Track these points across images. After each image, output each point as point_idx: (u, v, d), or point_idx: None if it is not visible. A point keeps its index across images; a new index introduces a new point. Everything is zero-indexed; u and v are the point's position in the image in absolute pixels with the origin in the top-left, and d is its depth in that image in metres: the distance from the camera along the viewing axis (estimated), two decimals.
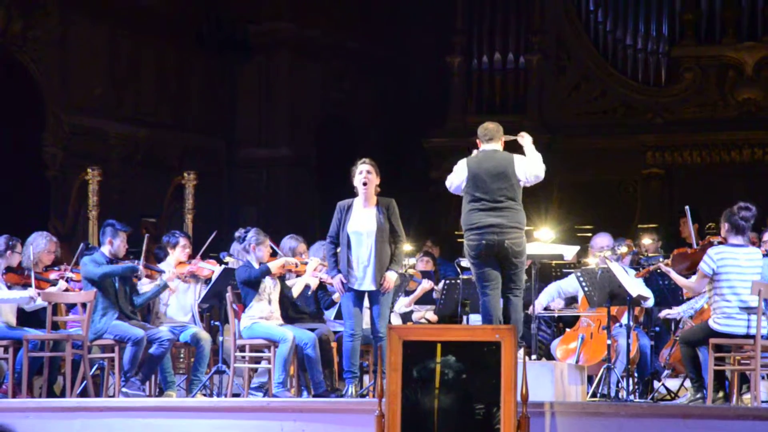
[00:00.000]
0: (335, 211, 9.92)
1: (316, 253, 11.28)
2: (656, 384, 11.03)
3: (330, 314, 11.15)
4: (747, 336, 9.37)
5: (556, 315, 11.68)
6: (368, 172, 9.84)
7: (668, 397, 10.98)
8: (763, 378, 9.83)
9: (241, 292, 10.55)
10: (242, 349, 10.53)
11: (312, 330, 10.49)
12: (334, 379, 10.59)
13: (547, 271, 11.96)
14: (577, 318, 11.38)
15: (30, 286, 10.58)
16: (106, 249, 10.66)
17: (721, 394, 9.48)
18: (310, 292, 11.00)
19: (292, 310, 10.84)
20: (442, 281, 11.47)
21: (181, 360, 11.60)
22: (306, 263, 10.91)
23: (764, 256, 9.64)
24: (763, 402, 9.50)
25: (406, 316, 11.64)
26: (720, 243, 9.68)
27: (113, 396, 10.37)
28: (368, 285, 9.78)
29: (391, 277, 9.77)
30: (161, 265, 11.19)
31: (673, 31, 19.63)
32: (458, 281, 11.03)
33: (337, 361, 10.61)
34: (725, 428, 8.29)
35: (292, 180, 19.54)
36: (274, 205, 19.02)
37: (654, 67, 19.64)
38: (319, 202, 18.71)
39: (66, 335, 10.41)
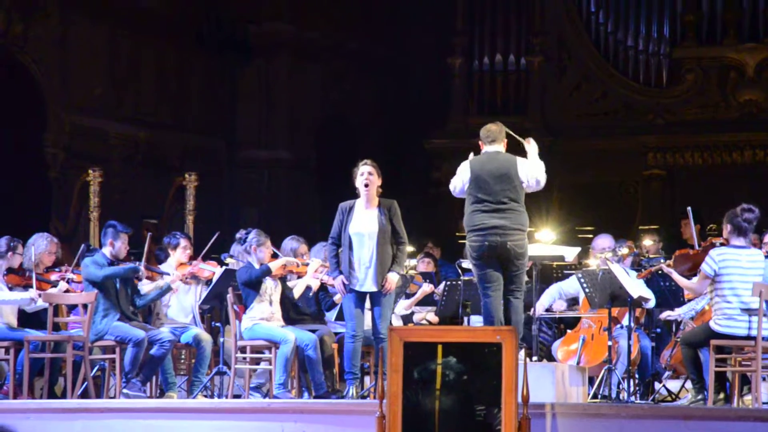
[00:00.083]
0: (337, 212, 9.92)
1: (317, 255, 11.27)
2: (657, 385, 11.02)
3: (331, 315, 11.15)
4: (748, 337, 9.37)
5: (557, 316, 11.68)
6: (370, 173, 9.84)
7: (669, 398, 10.98)
8: (764, 379, 9.82)
9: (242, 293, 10.55)
10: (243, 350, 10.52)
11: (313, 331, 10.49)
12: (334, 380, 10.58)
13: (548, 273, 11.96)
14: (578, 319, 11.38)
15: (31, 287, 10.58)
16: (107, 250, 10.66)
17: (722, 395, 9.47)
18: (311, 294, 11.00)
19: (293, 311, 10.84)
20: (443, 282, 11.46)
21: (182, 361, 11.59)
22: (307, 264, 10.91)
23: (766, 257, 9.64)
24: (764, 403, 9.49)
25: (406, 318, 11.64)
26: (722, 244, 9.68)
27: (114, 397, 10.37)
28: (369, 286, 9.78)
29: (393, 279, 9.77)
30: (162, 267, 11.19)
31: (674, 32, 19.63)
32: (459, 282, 11.03)
33: (338, 362, 10.60)
34: (726, 429, 8.29)
35: (293, 181, 19.55)
36: (274, 206, 19.02)
37: (655, 68, 19.64)
38: (320, 204, 18.71)
39: (67, 336, 10.41)
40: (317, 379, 10.26)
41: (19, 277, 10.78)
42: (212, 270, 11.11)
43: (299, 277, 10.93)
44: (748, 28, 19.32)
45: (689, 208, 11.00)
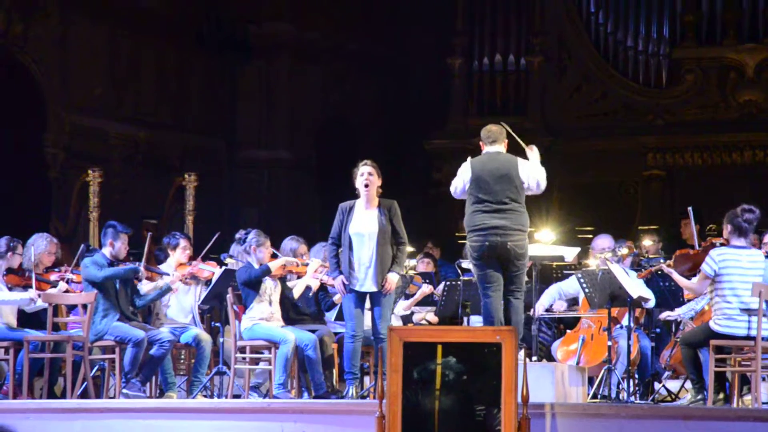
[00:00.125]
0: (337, 212, 9.92)
1: (316, 255, 11.28)
2: (657, 385, 11.02)
3: (330, 315, 11.15)
4: (747, 337, 9.37)
5: (556, 316, 11.68)
6: (370, 173, 9.85)
7: (669, 398, 10.98)
8: (763, 379, 9.82)
9: (242, 294, 10.55)
10: (243, 350, 10.52)
11: (313, 331, 10.49)
12: (334, 380, 10.58)
13: (548, 273, 11.96)
14: (577, 319, 11.38)
15: (30, 287, 10.58)
16: (107, 250, 10.66)
17: (721, 395, 9.48)
18: (311, 294, 11.00)
19: (292, 311, 10.84)
20: (443, 283, 11.46)
21: (182, 361, 11.59)
22: (307, 264, 10.91)
23: (766, 257, 9.64)
24: (763, 403, 9.49)
25: (406, 319, 11.64)
26: (722, 244, 9.68)
27: (114, 397, 10.37)
28: (369, 286, 9.78)
29: (393, 279, 9.77)
30: (162, 267, 11.19)
31: (674, 32, 19.62)
32: (459, 283, 11.03)
33: (337, 362, 10.60)
34: (726, 430, 8.29)
35: (293, 181, 19.55)
36: (274, 207, 19.02)
37: (655, 68, 19.64)
38: (320, 204, 18.71)
39: (67, 336, 10.41)
40: (317, 379, 10.26)
41: (18, 278, 10.78)
42: (212, 270, 11.11)
43: (299, 277, 10.93)
44: (748, 29, 19.32)
45: (690, 209, 11.01)
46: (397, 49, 20.45)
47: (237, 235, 10.90)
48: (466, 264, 10.90)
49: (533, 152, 9.74)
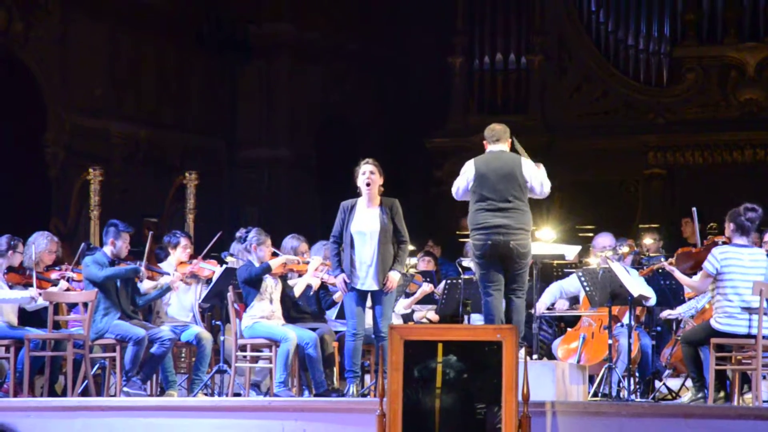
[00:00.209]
0: (339, 210, 9.92)
1: (317, 253, 11.27)
2: (657, 384, 11.02)
3: (331, 314, 11.15)
4: (748, 336, 9.37)
5: (557, 314, 11.68)
6: (371, 172, 9.85)
7: (669, 396, 10.98)
8: (764, 378, 9.82)
9: (243, 292, 10.55)
10: (243, 348, 10.52)
11: (313, 330, 10.49)
12: (334, 378, 10.58)
13: (549, 271, 11.96)
14: (578, 318, 11.38)
15: (31, 285, 10.58)
16: (108, 249, 10.66)
17: (722, 393, 9.47)
18: (311, 292, 11.00)
19: (293, 309, 10.84)
20: (444, 281, 11.47)
21: (183, 359, 11.59)
22: (308, 262, 10.91)
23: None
24: (764, 402, 9.49)
25: (406, 317, 11.64)
26: (724, 243, 9.68)
27: (114, 395, 10.37)
28: (371, 285, 9.78)
29: (394, 277, 9.78)
30: (163, 266, 11.19)
31: (675, 31, 19.63)
32: (459, 281, 11.03)
33: (338, 360, 10.60)
34: (726, 428, 8.28)
35: (293, 180, 19.56)
36: (275, 206, 19.03)
37: (656, 67, 19.65)
38: (320, 203, 18.73)
39: (67, 335, 10.41)
40: (317, 377, 10.27)
41: (19, 276, 10.78)
42: (212, 269, 11.11)
43: (300, 275, 10.93)
44: (749, 27, 19.32)
45: (695, 209, 11.01)
46: (397, 49, 20.45)
47: (237, 234, 10.90)
48: (467, 262, 10.92)
49: (540, 169, 9.76)
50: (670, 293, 10.62)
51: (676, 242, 13.73)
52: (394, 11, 20.64)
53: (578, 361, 10.80)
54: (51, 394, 10.49)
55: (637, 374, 10.76)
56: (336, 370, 10.60)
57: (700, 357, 9.62)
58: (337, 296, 10.92)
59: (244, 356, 10.55)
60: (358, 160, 9.97)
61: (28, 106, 16.01)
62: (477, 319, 10.71)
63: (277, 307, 10.55)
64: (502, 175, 9.55)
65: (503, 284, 9.59)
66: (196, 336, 10.83)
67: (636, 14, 19.72)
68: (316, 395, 10.22)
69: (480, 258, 9.55)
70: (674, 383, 11.17)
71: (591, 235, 12.70)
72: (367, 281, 9.78)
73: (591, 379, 10.75)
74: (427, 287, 11.51)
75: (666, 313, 11.03)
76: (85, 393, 10.35)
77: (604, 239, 11.65)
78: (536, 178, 9.63)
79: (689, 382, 10.01)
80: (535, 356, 10.34)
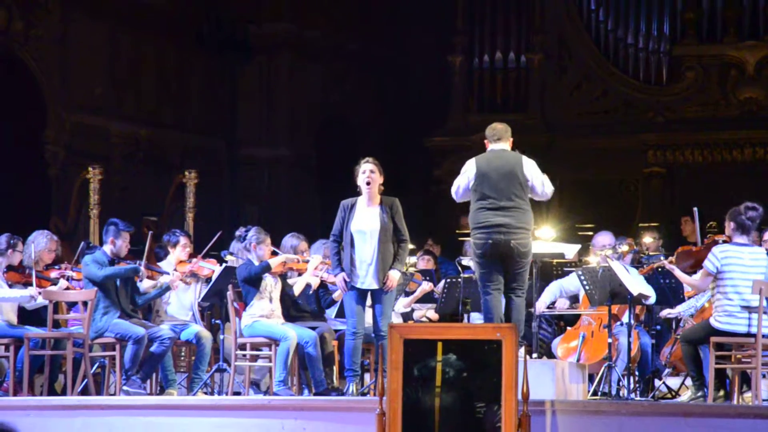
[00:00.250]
0: (339, 209, 9.92)
1: (317, 252, 11.27)
2: (657, 382, 11.02)
3: (331, 313, 11.15)
4: (748, 334, 9.37)
5: (556, 313, 11.68)
6: (372, 171, 9.85)
7: (669, 395, 10.98)
8: (764, 376, 9.82)
9: (242, 291, 10.55)
10: (243, 347, 10.53)
11: (313, 328, 10.49)
12: (334, 377, 10.58)
13: (548, 270, 11.96)
14: (578, 316, 11.38)
15: (31, 284, 10.58)
16: (107, 248, 10.65)
17: (722, 392, 9.47)
18: (311, 291, 11.00)
19: (293, 308, 10.84)
20: (443, 280, 11.46)
21: (182, 358, 11.58)
22: (307, 261, 10.91)
23: None
24: (764, 400, 9.49)
25: (406, 316, 11.64)
26: (724, 241, 9.68)
27: (114, 394, 10.37)
28: (371, 284, 9.78)
29: (395, 276, 9.78)
30: (162, 265, 11.19)
31: (675, 30, 19.63)
32: (459, 280, 11.03)
33: (338, 359, 10.60)
34: (726, 427, 8.28)
35: (293, 179, 19.56)
36: (274, 204, 19.03)
37: (655, 66, 19.64)
38: (320, 203, 18.73)
39: (67, 333, 10.41)
40: (317, 376, 10.27)
41: (18, 275, 10.78)
42: (211, 268, 11.11)
43: (299, 274, 10.93)
44: (749, 26, 19.32)
45: (696, 209, 11.01)
46: (397, 48, 20.45)
47: (237, 233, 10.90)
48: (467, 261, 10.92)
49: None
50: (670, 292, 10.62)
51: (675, 241, 13.72)
52: (394, 11, 20.64)
53: (578, 360, 10.79)
54: (51, 393, 10.49)
55: (636, 373, 10.75)
56: (336, 368, 10.60)
57: (699, 356, 9.62)
58: (336, 295, 10.92)
59: (244, 355, 10.55)
60: (358, 160, 9.98)
61: (28, 105, 16.02)
62: (477, 317, 10.71)
63: (276, 306, 10.55)
64: (503, 173, 9.56)
65: (503, 283, 9.59)
66: (195, 335, 10.83)
67: (635, 13, 19.72)
68: (315, 394, 10.22)
69: (480, 257, 9.55)
70: (674, 382, 11.18)
71: (591, 233, 12.69)
72: (367, 280, 9.78)
73: (591, 378, 10.75)
74: (426, 286, 11.51)
75: (665, 312, 11.03)
76: (84, 392, 10.35)
77: (604, 238, 11.64)
78: (537, 177, 9.65)
79: (689, 381, 10.01)
80: (534, 355, 10.33)
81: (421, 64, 20.60)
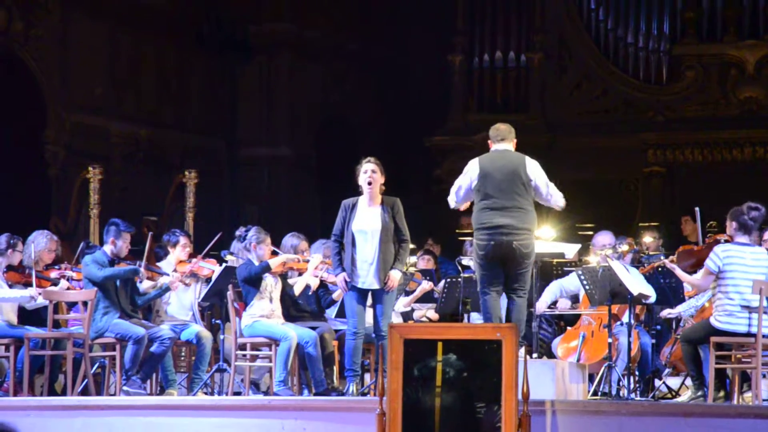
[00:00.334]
0: (340, 209, 9.92)
1: (317, 252, 11.27)
2: (657, 382, 11.02)
3: (331, 313, 11.15)
4: (748, 334, 9.37)
5: (557, 313, 11.68)
6: (373, 171, 9.85)
7: (669, 395, 10.98)
8: (764, 376, 9.82)
9: (242, 291, 10.55)
10: (243, 347, 10.52)
11: (313, 328, 10.49)
12: (334, 377, 10.58)
13: (548, 270, 11.95)
14: (578, 316, 11.37)
15: (31, 284, 10.58)
16: (108, 248, 10.65)
17: (722, 392, 9.47)
18: (310, 292, 11.00)
19: (293, 308, 10.84)
20: (443, 280, 11.46)
21: (182, 358, 11.58)
22: (308, 261, 10.91)
23: None
24: (764, 400, 9.49)
25: (406, 315, 11.64)
26: (726, 241, 9.69)
27: (114, 394, 10.37)
28: (372, 283, 9.78)
29: (396, 276, 9.78)
30: (162, 265, 11.19)
31: (675, 29, 19.62)
32: (459, 280, 11.03)
33: (338, 359, 10.60)
34: (726, 427, 8.28)
35: (293, 179, 19.56)
36: (275, 205, 19.03)
37: (655, 65, 19.64)
38: (320, 202, 18.72)
39: (67, 334, 10.41)
40: (317, 376, 10.26)
41: (18, 275, 10.78)
42: (211, 268, 11.11)
43: (300, 273, 10.93)
44: (749, 25, 19.31)
45: (698, 209, 11.01)
46: (397, 48, 20.45)
47: (237, 233, 10.90)
48: (467, 261, 10.91)
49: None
50: (670, 292, 10.62)
51: (675, 240, 13.72)
52: (394, 11, 20.64)
53: (578, 360, 10.79)
54: (51, 393, 10.49)
55: (636, 373, 10.75)
56: (336, 368, 10.60)
57: (699, 355, 9.62)
58: (336, 295, 10.92)
59: (244, 355, 10.55)
60: (358, 160, 9.97)
61: (28, 105, 16.02)
62: (477, 317, 10.69)
63: (276, 306, 10.55)
64: (506, 173, 9.56)
65: (502, 284, 9.60)
66: (195, 335, 10.83)
67: (635, 12, 19.71)
68: (315, 394, 10.22)
69: (482, 258, 9.55)
70: (674, 382, 11.18)
71: (591, 233, 12.68)
72: (368, 279, 9.78)
73: (591, 378, 10.74)
74: (426, 285, 11.50)
75: (666, 313, 11.03)
76: (84, 392, 10.35)
77: (604, 238, 11.64)
78: (541, 178, 9.65)
79: (689, 381, 10.01)
80: (534, 355, 10.33)
81: (421, 64, 20.60)
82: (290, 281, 10.85)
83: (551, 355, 11.26)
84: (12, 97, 15.50)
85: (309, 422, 8.85)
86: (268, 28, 19.36)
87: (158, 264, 11.25)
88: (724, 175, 18.92)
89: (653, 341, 10.96)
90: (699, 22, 19.53)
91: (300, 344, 10.28)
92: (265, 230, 10.74)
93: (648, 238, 12.49)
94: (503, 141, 9.75)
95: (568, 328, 11.62)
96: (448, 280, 11.32)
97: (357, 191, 9.93)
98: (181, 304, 11.11)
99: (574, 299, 11.41)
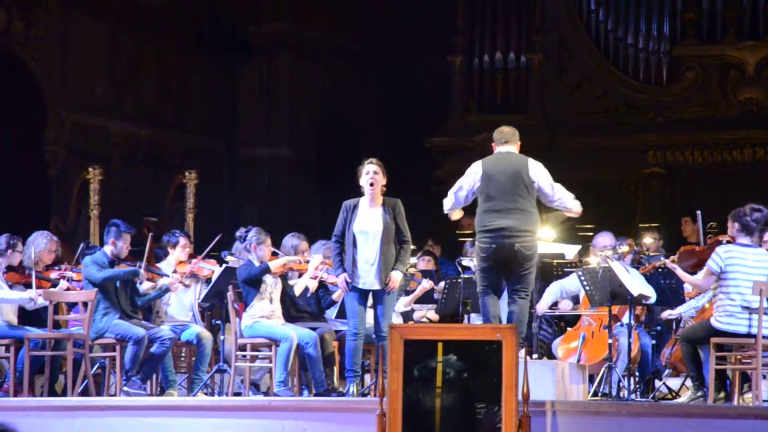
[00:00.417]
0: (341, 210, 9.92)
1: (317, 252, 11.26)
2: (657, 383, 11.02)
3: (331, 313, 11.15)
4: (748, 335, 9.37)
5: (557, 314, 11.68)
6: (375, 172, 9.85)
7: (669, 396, 10.98)
8: (764, 377, 9.82)
9: (243, 291, 10.55)
10: (243, 348, 10.52)
11: (313, 329, 10.49)
12: (334, 378, 10.58)
13: (549, 271, 11.94)
14: (578, 317, 11.38)
15: (31, 285, 10.58)
16: (108, 249, 10.65)
17: (722, 393, 9.47)
18: (310, 293, 10.99)
19: (293, 308, 10.84)
20: (444, 280, 11.47)
21: (183, 359, 11.59)
22: (308, 261, 10.90)
23: None
24: (764, 401, 9.49)
25: (406, 316, 11.64)
26: (728, 242, 9.69)
27: (114, 395, 10.37)
28: (373, 284, 9.78)
29: (397, 277, 9.78)
30: (162, 265, 11.18)
31: (675, 30, 19.61)
32: (459, 280, 11.03)
33: (338, 360, 10.61)
34: (726, 427, 8.28)
35: (293, 179, 19.56)
36: (275, 205, 19.03)
37: (655, 66, 19.63)
38: (320, 203, 18.72)
39: (67, 334, 10.41)
40: (317, 377, 10.26)
41: (18, 275, 10.78)
42: (211, 268, 11.11)
43: (300, 274, 10.93)
44: (749, 26, 19.31)
45: (699, 212, 11.00)
46: (397, 49, 20.45)
47: (237, 233, 10.90)
48: (467, 262, 10.92)
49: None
50: (671, 292, 10.62)
51: (675, 241, 13.72)
52: (394, 11, 20.63)
53: (578, 361, 10.80)
54: (51, 393, 10.49)
55: (637, 374, 10.76)
56: (336, 369, 10.60)
57: (699, 356, 9.63)
58: (336, 296, 10.91)
59: (244, 356, 10.55)
60: (358, 160, 9.98)
61: (28, 105, 16.02)
62: (477, 318, 10.70)
63: (277, 307, 10.55)
64: (509, 175, 9.57)
65: (503, 286, 9.61)
66: (196, 335, 10.83)
67: (635, 13, 19.71)
68: (316, 395, 10.22)
69: (484, 261, 9.56)
70: (674, 383, 11.18)
71: (591, 234, 12.69)
72: (369, 280, 9.79)
73: (591, 379, 10.75)
74: (426, 284, 11.50)
75: (666, 314, 11.03)
76: (85, 392, 10.35)
77: (604, 238, 11.64)
78: (545, 179, 9.64)
79: (689, 382, 10.01)
80: (535, 356, 10.34)
81: (421, 64, 20.59)
82: (290, 282, 10.85)
83: (551, 356, 11.26)
84: (12, 97, 15.50)
85: (309, 423, 8.84)
86: (268, 28, 19.36)
87: (158, 265, 11.25)
88: (724, 176, 18.91)
89: (653, 342, 10.96)
90: (699, 23, 19.53)
91: (300, 345, 10.28)
92: (265, 231, 10.74)
93: (648, 239, 12.48)
94: (507, 143, 9.76)
95: (569, 328, 11.62)
96: (449, 280, 11.32)
97: (357, 191, 9.93)
98: (182, 305, 11.11)
99: (575, 300, 11.41)
